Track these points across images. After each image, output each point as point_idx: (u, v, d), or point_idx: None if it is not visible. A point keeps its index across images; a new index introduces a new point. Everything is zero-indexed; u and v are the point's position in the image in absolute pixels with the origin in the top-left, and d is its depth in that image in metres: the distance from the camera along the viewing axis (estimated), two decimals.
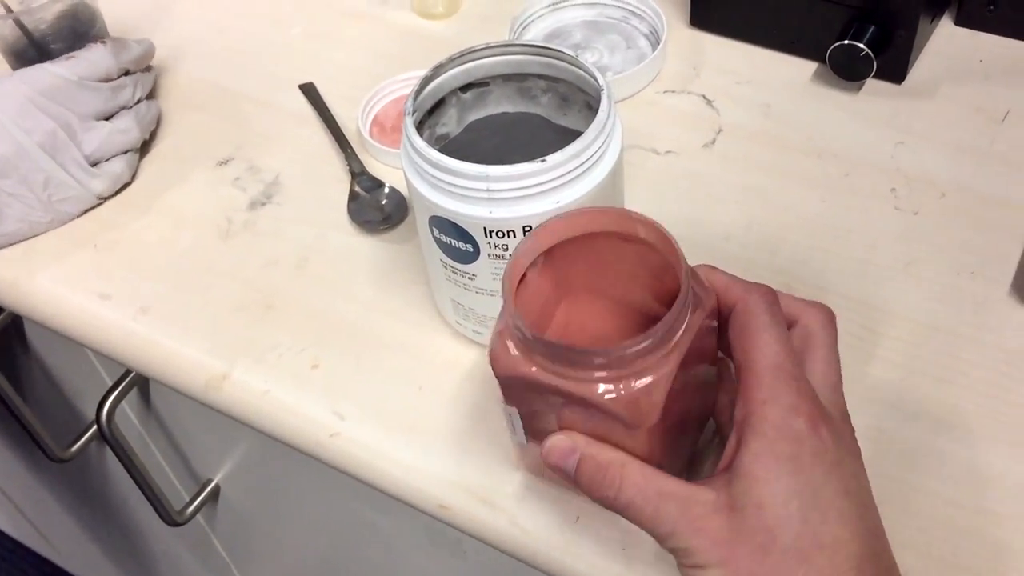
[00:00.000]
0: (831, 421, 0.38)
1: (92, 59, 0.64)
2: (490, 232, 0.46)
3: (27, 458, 1.09)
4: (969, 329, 0.52)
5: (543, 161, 0.45)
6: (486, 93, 0.53)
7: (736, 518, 0.37)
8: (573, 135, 0.46)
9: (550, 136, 0.53)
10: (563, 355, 0.38)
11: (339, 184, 0.64)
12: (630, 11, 0.71)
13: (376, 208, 0.62)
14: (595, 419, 0.40)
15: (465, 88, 0.53)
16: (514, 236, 0.46)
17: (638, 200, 0.58)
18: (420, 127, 0.52)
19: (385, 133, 0.66)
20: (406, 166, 0.48)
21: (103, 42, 0.65)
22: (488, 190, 0.45)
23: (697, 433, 0.47)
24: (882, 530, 0.38)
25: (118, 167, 0.65)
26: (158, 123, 0.70)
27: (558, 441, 0.41)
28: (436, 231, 0.49)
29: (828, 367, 0.41)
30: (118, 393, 0.68)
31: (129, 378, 0.69)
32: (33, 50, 0.66)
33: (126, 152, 0.66)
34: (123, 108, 0.66)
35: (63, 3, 0.66)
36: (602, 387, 0.38)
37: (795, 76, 0.67)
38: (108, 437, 0.70)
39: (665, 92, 0.67)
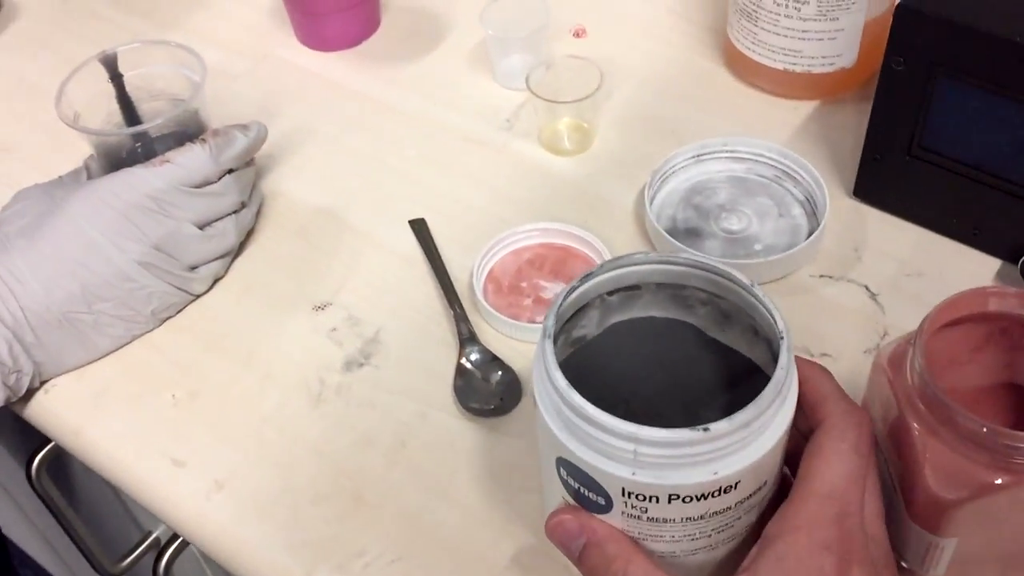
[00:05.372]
0: (869, 567, 0.37)
1: (189, 165, 0.58)
2: (629, 493, 0.39)
3: None
4: None
5: (705, 430, 0.37)
6: (635, 296, 0.46)
7: None
8: (733, 357, 0.39)
9: (704, 355, 0.46)
10: None
11: (446, 349, 0.57)
12: (783, 171, 0.63)
13: (486, 391, 0.55)
14: None
15: (611, 291, 0.46)
16: (657, 501, 0.39)
17: None
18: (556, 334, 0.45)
19: (501, 293, 0.59)
20: (538, 393, 0.41)
21: (202, 140, 0.59)
22: (635, 451, 0.38)
23: None
24: None
25: (216, 267, 0.61)
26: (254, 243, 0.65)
27: (565, 520, 0.41)
28: (564, 472, 0.41)
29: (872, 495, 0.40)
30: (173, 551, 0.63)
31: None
32: (131, 159, 0.61)
33: (224, 255, 0.62)
34: (223, 216, 0.61)
35: (173, 117, 0.61)
36: None
37: (975, 272, 0.58)
38: None
39: (821, 277, 0.59)
